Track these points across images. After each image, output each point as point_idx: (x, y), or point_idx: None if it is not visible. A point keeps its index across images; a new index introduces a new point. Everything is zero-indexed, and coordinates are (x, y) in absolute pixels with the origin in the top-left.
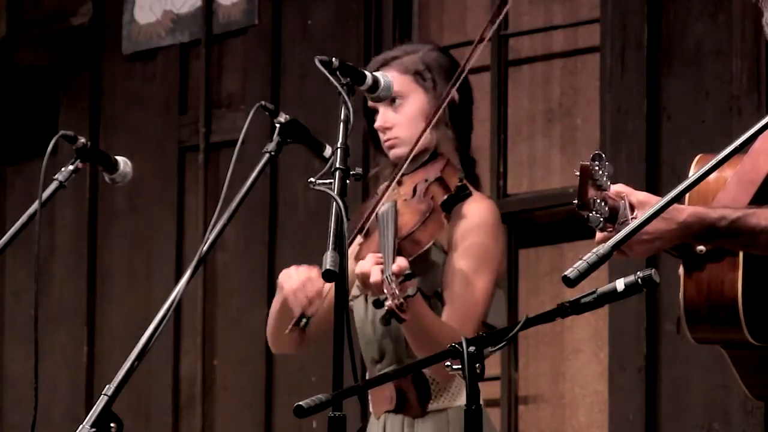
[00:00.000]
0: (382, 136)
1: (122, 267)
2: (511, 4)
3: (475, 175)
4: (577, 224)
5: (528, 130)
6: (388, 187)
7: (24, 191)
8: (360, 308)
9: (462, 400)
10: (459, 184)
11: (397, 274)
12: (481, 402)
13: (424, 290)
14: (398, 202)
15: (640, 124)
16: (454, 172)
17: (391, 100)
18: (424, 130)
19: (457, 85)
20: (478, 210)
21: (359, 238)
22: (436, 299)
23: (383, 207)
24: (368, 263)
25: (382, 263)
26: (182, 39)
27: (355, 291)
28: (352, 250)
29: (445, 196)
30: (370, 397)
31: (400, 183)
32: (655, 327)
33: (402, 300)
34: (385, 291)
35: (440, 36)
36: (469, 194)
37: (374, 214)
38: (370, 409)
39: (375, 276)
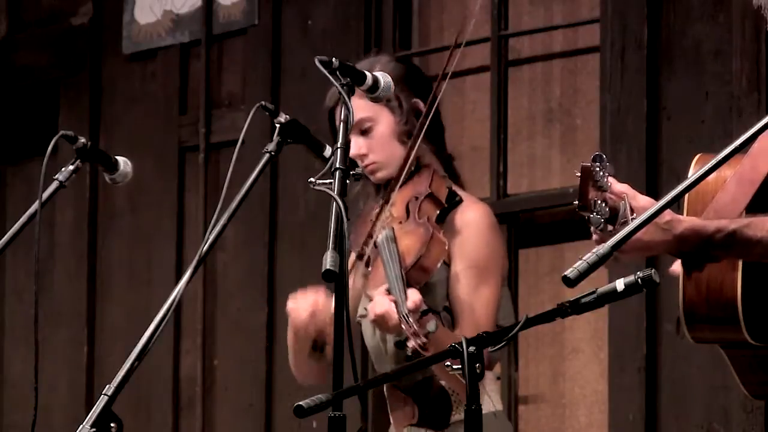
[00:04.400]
0: (360, 163)
1: (122, 267)
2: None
3: (454, 171)
4: (577, 224)
5: (528, 130)
6: (380, 212)
7: (24, 191)
8: (368, 328)
9: (485, 408)
10: (448, 193)
11: (414, 311)
12: (500, 406)
13: (432, 307)
14: (394, 226)
15: (640, 124)
16: (441, 182)
17: (360, 126)
18: (407, 157)
19: (437, 100)
20: (472, 217)
21: (362, 268)
22: (446, 313)
23: (381, 235)
24: (382, 305)
25: (392, 298)
26: (182, 39)
27: (362, 311)
28: (353, 262)
29: (438, 211)
30: (390, 411)
31: (389, 201)
32: (655, 327)
33: (425, 340)
34: (405, 330)
35: (440, 36)
36: (460, 201)
37: (373, 242)
38: (390, 421)
39: (392, 319)
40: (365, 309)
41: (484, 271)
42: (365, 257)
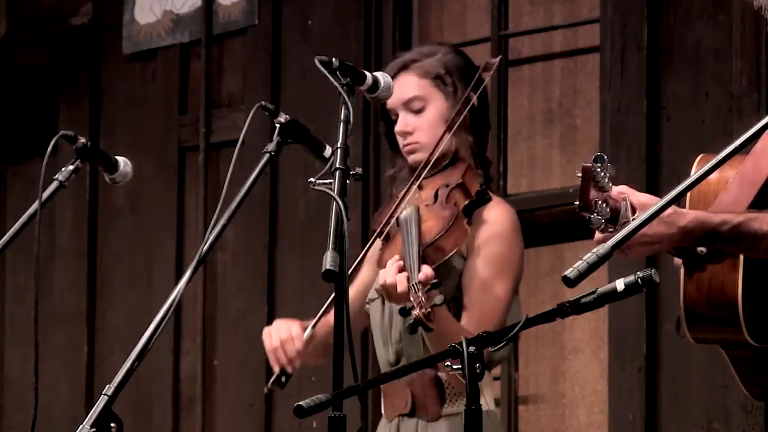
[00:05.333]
0: (402, 141)
1: (122, 267)
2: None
3: (489, 175)
4: (577, 224)
5: (528, 130)
6: (407, 191)
7: (24, 191)
8: (377, 312)
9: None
10: (480, 189)
11: (423, 283)
12: (493, 406)
13: (444, 293)
14: (420, 207)
15: (640, 124)
16: (475, 177)
17: (411, 104)
18: (443, 136)
19: (479, 91)
20: (498, 216)
21: (379, 243)
22: (454, 304)
23: (405, 212)
24: (392, 272)
25: (404, 270)
26: (182, 39)
27: (372, 294)
28: (371, 254)
29: (466, 202)
30: (383, 400)
31: (420, 187)
32: (655, 327)
33: (429, 309)
34: (412, 300)
35: (440, 36)
36: (489, 199)
37: (395, 219)
38: (382, 411)
39: (401, 286)
40: (375, 291)
41: (501, 270)
42: (385, 233)
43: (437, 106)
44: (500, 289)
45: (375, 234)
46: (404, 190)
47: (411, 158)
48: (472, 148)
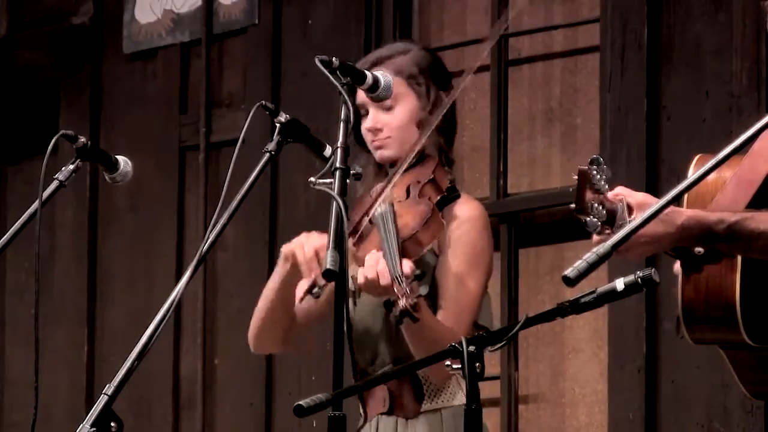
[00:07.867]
0: (371, 137)
1: (122, 267)
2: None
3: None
4: (577, 224)
5: (528, 130)
6: (382, 191)
7: (24, 191)
8: (350, 310)
9: (455, 401)
10: (449, 185)
11: (407, 276)
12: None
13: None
14: (393, 203)
15: (640, 124)
16: (444, 173)
17: (383, 101)
18: (419, 139)
19: (457, 93)
20: (467, 211)
21: (351, 240)
22: (428, 299)
23: (379, 209)
24: (372, 266)
25: (385, 262)
26: (182, 38)
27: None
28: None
29: (438, 197)
30: (364, 401)
31: (391, 180)
32: (654, 327)
33: (415, 300)
34: (396, 292)
35: (440, 36)
36: (458, 196)
37: (368, 217)
38: (362, 413)
39: (384, 279)
40: (351, 287)
41: (473, 263)
42: (358, 233)
43: (408, 105)
44: (473, 283)
45: (348, 233)
46: (377, 190)
47: (378, 154)
48: (440, 147)
